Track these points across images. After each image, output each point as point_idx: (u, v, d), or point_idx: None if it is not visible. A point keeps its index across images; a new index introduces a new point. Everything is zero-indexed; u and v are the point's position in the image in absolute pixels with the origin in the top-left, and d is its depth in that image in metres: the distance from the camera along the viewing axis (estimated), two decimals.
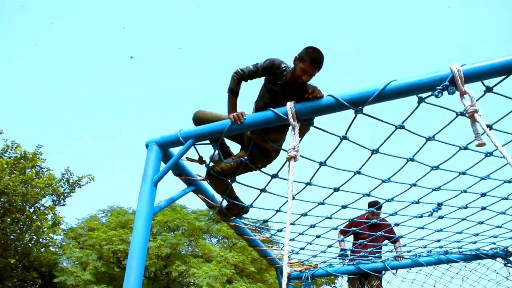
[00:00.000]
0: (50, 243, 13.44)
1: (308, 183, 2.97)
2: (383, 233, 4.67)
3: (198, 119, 2.89)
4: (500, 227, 4.02)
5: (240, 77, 2.70)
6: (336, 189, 3.08)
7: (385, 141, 2.64)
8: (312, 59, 2.57)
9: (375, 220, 4.69)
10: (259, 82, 2.81)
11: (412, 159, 2.80)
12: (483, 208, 3.58)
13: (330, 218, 3.53)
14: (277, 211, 3.33)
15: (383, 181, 3.00)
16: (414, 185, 3.10)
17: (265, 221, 3.65)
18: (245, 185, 3.02)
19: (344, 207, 3.35)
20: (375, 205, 4.70)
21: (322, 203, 3.28)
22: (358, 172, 2.88)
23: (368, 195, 3.16)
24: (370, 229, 4.84)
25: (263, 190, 2.99)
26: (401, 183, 3.07)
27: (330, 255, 4.85)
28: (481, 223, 3.87)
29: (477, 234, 4.24)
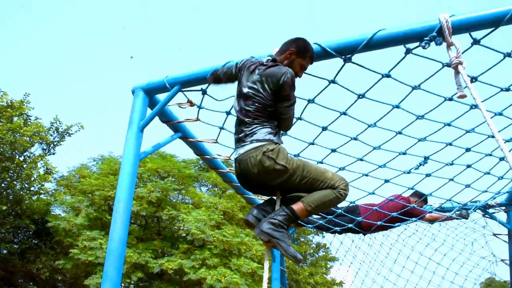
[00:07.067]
0: (41, 191, 13.58)
1: (299, 118, 3.08)
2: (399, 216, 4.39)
3: None
4: (486, 191, 4.04)
5: None
6: (325, 128, 3.14)
7: (371, 87, 2.69)
8: (312, 55, 2.43)
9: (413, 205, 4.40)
10: None
11: (397, 106, 2.83)
12: (469, 166, 3.62)
13: (322, 162, 3.62)
14: None
15: (369, 126, 3.06)
16: (400, 133, 3.15)
17: None
18: None
19: (334, 150, 3.43)
20: (420, 196, 4.51)
21: (312, 143, 3.35)
22: (344, 113, 2.94)
23: (355, 139, 3.21)
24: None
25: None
26: (387, 129, 3.12)
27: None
28: (468, 186, 3.85)
29: (466, 204, 4.36)
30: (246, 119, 2.28)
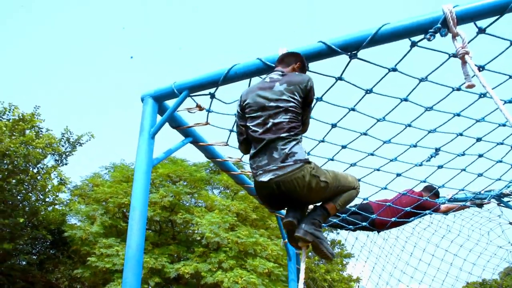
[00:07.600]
0: (56, 201, 13.76)
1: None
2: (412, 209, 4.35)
3: None
4: (500, 179, 4.00)
5: None
6: (334, 125, 3.16)
7: (378, 82, 2.69)
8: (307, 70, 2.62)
9: (425, 198, 4.36)
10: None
11: (405, 99, 2.83)
12: (480, 156, 3.60)
13: (332, 159, 3.60)
14: None
15: (378, 120, 3.06)
16: (409, 125, 3.14)
17: None
18: None
19: (344, 147, 3.43)
20: (432, 190, 4.47)
21: (323, 141, 3.36)
22: (353, 109, 2.95)
23: (365, 134, 3.22)
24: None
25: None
26: (396, 122, 3.12)
27: None
28: (480, 175, 3.83)
29: (479, 193, 4.32)
30: (282, 134, 2.24)
